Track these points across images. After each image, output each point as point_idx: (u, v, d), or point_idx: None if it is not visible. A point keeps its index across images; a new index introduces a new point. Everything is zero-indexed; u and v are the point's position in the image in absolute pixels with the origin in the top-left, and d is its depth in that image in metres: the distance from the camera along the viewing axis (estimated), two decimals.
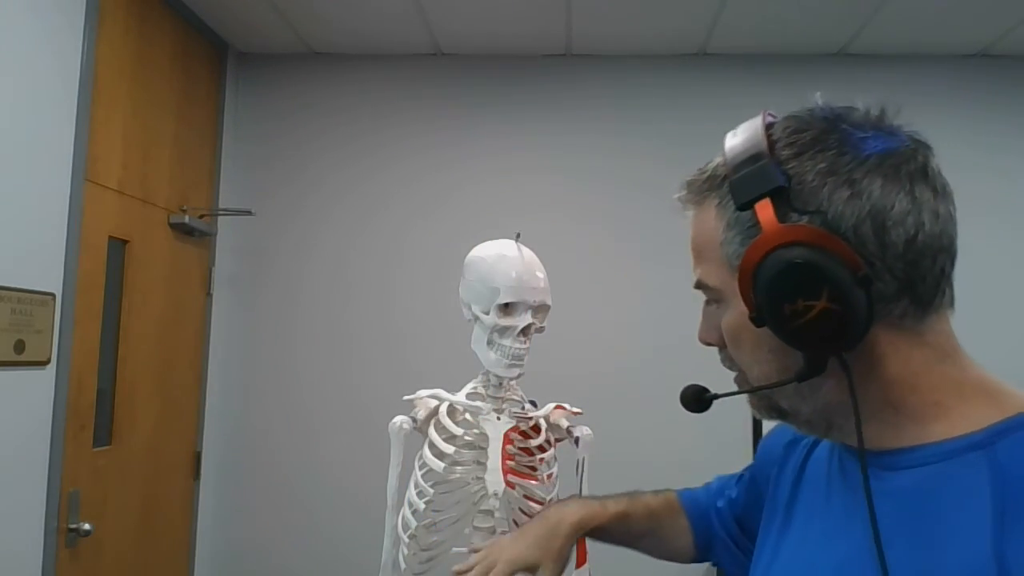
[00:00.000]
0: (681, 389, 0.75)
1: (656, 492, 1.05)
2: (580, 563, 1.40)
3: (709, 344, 0.73)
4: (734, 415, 1.03)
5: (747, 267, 0.60)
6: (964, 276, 2.76)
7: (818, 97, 0.67)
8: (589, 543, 1.19)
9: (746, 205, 0.61)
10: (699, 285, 0.71)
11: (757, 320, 0.61)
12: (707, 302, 0.72)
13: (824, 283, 0.57)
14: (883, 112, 0.67)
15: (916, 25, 2.55)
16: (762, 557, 0.79)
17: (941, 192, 0.64)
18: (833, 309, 0.57)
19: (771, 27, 2.59)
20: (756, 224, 0.61)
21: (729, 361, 0.71)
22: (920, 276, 0.62)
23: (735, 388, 0.71)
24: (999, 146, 2.71)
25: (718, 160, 0.68)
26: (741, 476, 1.02)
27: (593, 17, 2.54)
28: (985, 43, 2.66)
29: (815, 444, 0.79)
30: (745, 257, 0.60)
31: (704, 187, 0.68)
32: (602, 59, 2.83)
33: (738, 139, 0.65)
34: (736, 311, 0.65)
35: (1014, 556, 0.52)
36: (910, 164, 0.63)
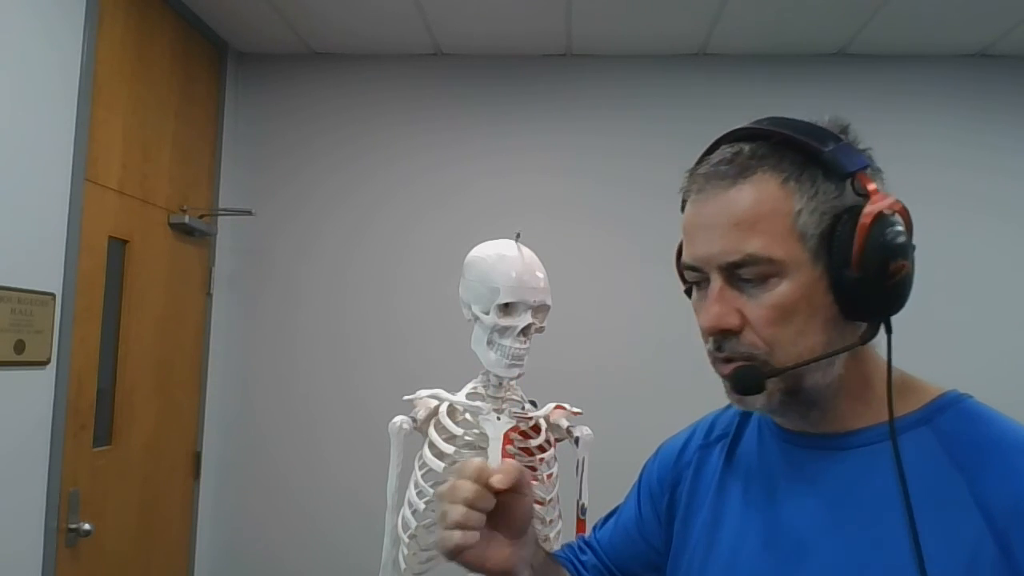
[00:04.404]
0: (729, 374, 0.70)
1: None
2: None
3: (726, 331, 0.70)
4: None
5: (862, 229, 0.66)
6: (964, 276, 2.77)
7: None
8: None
9: (846, 176, 0.69)
10: (749, 260, 0.68)
11: (855, 282, 0.66)
12: (726, 286, 0.70)
13: (910, 247, 0.68)
14: None
15: (916, 25, 2.54)
16: (687, 550, 0.83)
17: None
18: (909, 271, 0.67)
19: (771, 27, 2.59)
20: (846, 193, 0.69)
21: (746, 346, 0.69)
22: None
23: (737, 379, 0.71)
24: (999, 146, 2.71)
25: (736, 148, 0.72)
26: (608, 518, 1.03)
27: (593, 17, 2.54)
28: (985, 43, 2.66)
29: (733, 443, 0.85)
30: (861, 221, 0.66)
31: (753, 163, 0.70)
32: (602, 59, 2.83)
33: (800, 123, 0.71)
34: (797, 282, 0.68)
35: (991, 495, 0.64)
36: None
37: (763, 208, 0.69)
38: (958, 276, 2.58)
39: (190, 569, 2.64)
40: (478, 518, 0.71)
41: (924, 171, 2.61)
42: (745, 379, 0.70)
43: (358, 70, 2.88)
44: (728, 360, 0.71)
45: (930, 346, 2.00)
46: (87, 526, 2.01)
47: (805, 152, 0.70)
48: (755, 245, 0.68)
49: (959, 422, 0.71)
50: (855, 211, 0.67)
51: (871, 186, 0.68)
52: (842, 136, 0.72)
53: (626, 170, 2.77)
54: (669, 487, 0.90)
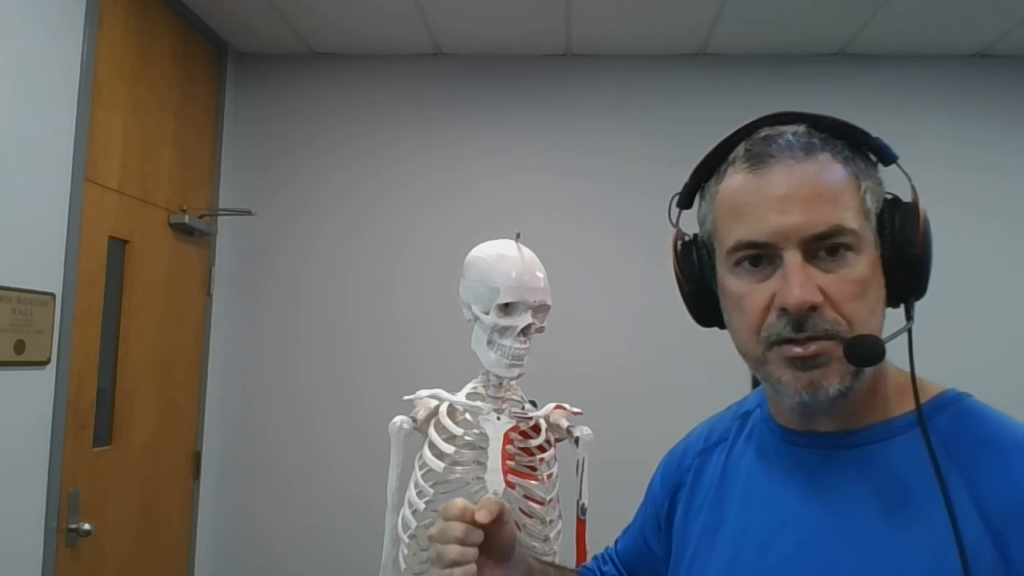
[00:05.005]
0: (848, 344, 0.67)
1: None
2: (580, 562, 1.40)
3: (813, 307, 0.66)
4: None
5: (920, 210, 0.71)
6: (964, 276, 2.76)
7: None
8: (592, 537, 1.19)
9: (890, 162, 0.73)
10: (837, 231, 0.67)
11: (915, 259, 0.70)
12: (805, 261, 0.67)
13: None
14: None
15: (916, 25, 2.55)
16: (687, 554, 0.83)
17: None
18: None
19: (771, 27, 2.59)
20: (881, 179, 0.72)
21: (829, 323, 0.67)
22: None
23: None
24: (998, 146, 2.71)
25: (791, 128, 0.72)
26: (627, 530, 1.03)
27: (593, 17, 2.54)
28: (985, 43, 2.66)
29: (733, 447, 0.85)
30: (917, 204, 0.71)
31: (816, 142, 0.71)
32: (602, 59, 2.83)
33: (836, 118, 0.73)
34: (869, 259, 0.69)
35: (989, 495, 0.65)
36: None
37: (841, 183, 0.69)
38: (958, 276, 2.58)
39: (190, 569, 2.64)
40: (472, 552, 0.78)
41: (924, 171, 2.57)
42: (872, 346, 0.66)
43: (358, 70, 2.88)
44: (811, 339, 0.67)
45: (929, 345, 1.99)
46: (87, 526, 2.01)
47: (851, 138, 0.72)
48: (843, 217, 0.68)
49: (958, 421, 0.70)
50: (895, 197, 0.72)
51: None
52: None
53: (626, 170, 2.77)
54: (670, 493, 0.90)
